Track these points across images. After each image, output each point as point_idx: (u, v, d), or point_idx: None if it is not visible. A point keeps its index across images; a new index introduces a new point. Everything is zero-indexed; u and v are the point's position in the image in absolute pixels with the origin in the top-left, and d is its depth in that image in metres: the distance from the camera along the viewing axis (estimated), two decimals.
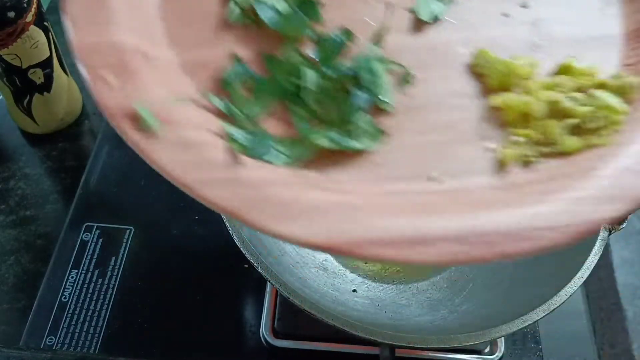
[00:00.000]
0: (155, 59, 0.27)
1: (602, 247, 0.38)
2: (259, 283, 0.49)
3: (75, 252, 0.51)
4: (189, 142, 0.25)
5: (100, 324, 0.47)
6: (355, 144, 0.26)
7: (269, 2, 0.30)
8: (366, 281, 0.47)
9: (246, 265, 0.37)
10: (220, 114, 0.27)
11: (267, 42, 0.29)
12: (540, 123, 0.28)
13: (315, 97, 0.28)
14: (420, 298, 0.46)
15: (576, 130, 0.28)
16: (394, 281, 0.48)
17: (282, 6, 0.30)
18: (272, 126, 0.27)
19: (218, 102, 0.27)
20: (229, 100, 0.27)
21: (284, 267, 0.43)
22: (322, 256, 0.48)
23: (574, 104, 0.28)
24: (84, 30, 0.27)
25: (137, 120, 0.25)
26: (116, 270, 0.50)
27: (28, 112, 0.59)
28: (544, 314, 0.36)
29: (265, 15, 0.29)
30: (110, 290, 0.49)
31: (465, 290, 0.46)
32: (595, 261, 0.38)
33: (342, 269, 0.48)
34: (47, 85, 0.57)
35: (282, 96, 0.28)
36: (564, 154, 0.27)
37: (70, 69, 0.61)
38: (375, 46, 0.30)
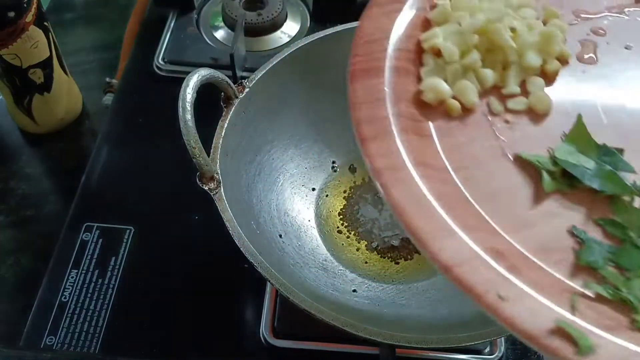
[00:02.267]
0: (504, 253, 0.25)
1: None
2: (259, 283, 0.49)
3: (75, 252, 0.51)
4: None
5: (100, 324, 0.47)
6: None
7: (579, 163, 0.28)
8: (366, 281, 0.47)
9: (246, 265, 0.37)
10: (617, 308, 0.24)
11: (590, 205, 0.27)
12: None
13: None
14: (420, 298, 0.46)
15: None
16: (393, 281, 0.48)
17: (591, 164, 0.28)
18: None
19: (606, 292, 0.24)
20: (610, 285, 0.24)
21: (284, 267, 0.43)
22: (322, 256, 0.48)
23: None
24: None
25: (567, 340, 0.22)
26: (116, 270, 0.50)
27: (28, 112, 0.59)
28: None
29: (584, 176, 0.27)
30: (110, 290, 0.49)
31: None
32: None
33: (342, 268, 0.48)
34: (47, 85, 0.57)
35: None
36: None
37: (70, 69, 0.61)
38: None
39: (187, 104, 0.37)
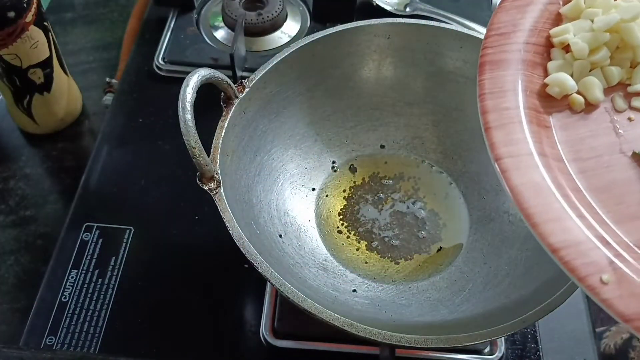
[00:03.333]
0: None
1: None
2: (259, 283, 0.49)
3: (75, 252, 0.51)
4: None
5: (100, 324, 0.47)
6: None
7: None
8: (366, 281, 0.47)
9: (246, 265, 0.38)
10: None
11: None
12: None
13: None
14: (420, 298, 0.46)
15: None
16: (393, 281, 0.48)
17: None
18: None
19: None
20: None
21: (284, 267, 0.43)
22: (322, 256, 0.48)
23: None
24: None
25: None
26: (116, 270, 0.50)
27: (28, 112, 0.59)
28: (544, 314, 0.36)
29: None
30: (110, 290, 0.49)
31: (465, 290, 0.46)
32: None
33: (342, 269, 0.48)
34: (47, 85, 0.57)
35: None
36: None
37: (70, 69, 0.61)
38: None
39: (187, 104, 0.37)
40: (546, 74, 0.32)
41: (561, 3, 0.34)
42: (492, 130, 0.29)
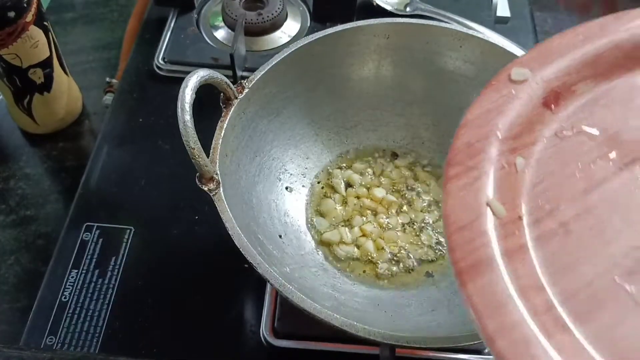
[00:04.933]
0: None
1: None
2: (259, 283, 0.49)
3: (75, 252, 0.51)
4: None
5: (100, 324, 0.47)
6: None
7: None
8: (366, 281, 0.47)
9: (246, 265, 0.37)
10: None
11: None
12: None
13: None
14: (420, 298, 0.46)
15: None
16: (393, 281, 0.48)
17: None
18: None
19: None
20: None
21: (283, 267, 0.43)
22: (322, 256, 0.48)
23: None
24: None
25: None
26: (116, 270, 0.50)
27: (28, 112, 0.59)
28: None
29: None
30: (110, 290, 0.49)
31: None
32: None
33: (342, 268, 0.48)
34: (47, 85, 0.57)
35: None
36: None
37: (70, 69, 0.61)
38: None
39: (186, 104, 0.37)
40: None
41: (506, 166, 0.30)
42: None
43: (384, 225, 0.50)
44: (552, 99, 0.32)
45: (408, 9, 0.69)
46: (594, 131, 0.31)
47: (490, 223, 0.28)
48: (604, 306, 0.25)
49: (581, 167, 0.30)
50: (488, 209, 0.28)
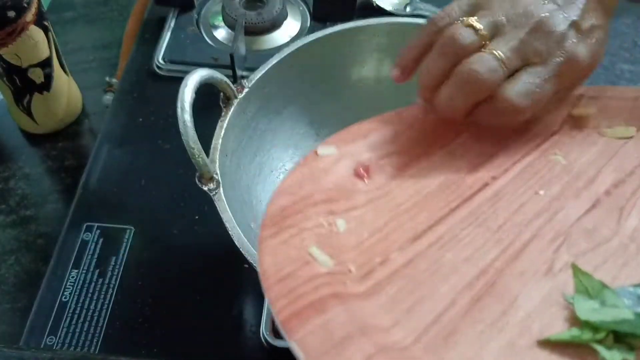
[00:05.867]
0: None
1: None
2: (259, 283, 0.49)
3: (75, 252, 0.51)
4: None
5: (100, 324, 0.47)
6: None
7: (617, 316, 0.26)
8: None
9: (246, 265, 0.37)
10: None
11: None
12: None
13: None
14: None
15: None
16: None
17: (625, 312, 0.26)
18: None
19: None
20: None
21: None
22: None
23: None
24: None
25: None
26: (116, 270, 0.50)
27: (28, 111, 0.59)
28: None
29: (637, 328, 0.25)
30: (110, 290, 0.49)
31: None
32: None
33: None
34: (47, 84, 0.57)
35: None
36: None
37: (70, 69, 0.61)
38: None
39: (185, 104, 0.37)
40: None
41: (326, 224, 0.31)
42: None
43: None
44: (362, 170, 0.35)
45: (408, 9, 0.69)
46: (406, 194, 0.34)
47: (316, 270, 0.28)
48: (458, 339, 0.25)
49: (402, 221, 0.32)
50: (312, 258, 0.28)
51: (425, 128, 0.38)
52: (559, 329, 0.26)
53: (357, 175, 0.35)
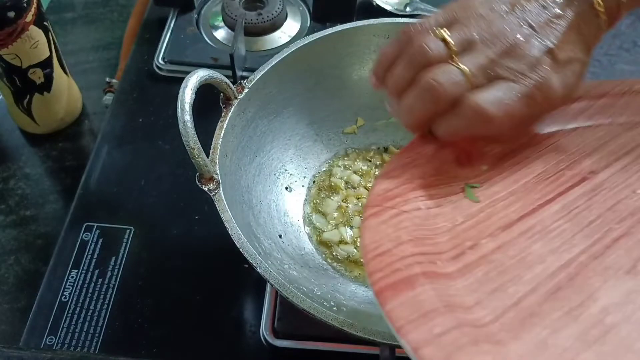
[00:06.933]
0: None
1: None
2: (259, 283, 0.49)
3: (75, 252, 0.51)
4: None
5: (100, 324, 0.47)
6: None
7: None
8: (366, 281, 0.47)
9: (246, 265, 0.38)
10: None
11: None
12: None
13: None
14: None
15: None
16: None
17: None
18: None
19: None
20: None
21: (283, 267, 0.43)
22: (321, 256, 0.48)
23: None
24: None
25: None
26: (116, 270, 0.50)
27: (28, 112, 0.59)
28: None
29: None
30: (110, 290, 0.49)
31: None
32: None
33: (342, 268, 0.48)
34: (47, 85, 0.57)
35: None
36: None
37: (70, 69, 0.61)
38: None
39: (185, 104, 0.37)
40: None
41: (423, 206, 0.33)
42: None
43: None
44: (464, 157, 0.36)
45: (408, 9, 0.69)
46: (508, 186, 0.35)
47: (411, 249, 0.30)
48: (534, 322, 0.27)
49: (496, 210, 0.33)
50: (409, 239, 0.30)
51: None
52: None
53: (459, 162, 0.36)
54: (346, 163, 0.53)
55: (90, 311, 0.48)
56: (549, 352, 0.25)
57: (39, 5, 0.53)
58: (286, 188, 0.51)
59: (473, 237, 0.31)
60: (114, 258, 0.51)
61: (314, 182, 0.52)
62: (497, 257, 0.30)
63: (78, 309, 0.48)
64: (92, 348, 0.46)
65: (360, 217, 0.50)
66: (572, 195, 0.33)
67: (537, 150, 0.37)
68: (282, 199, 0.50)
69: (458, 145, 0.36)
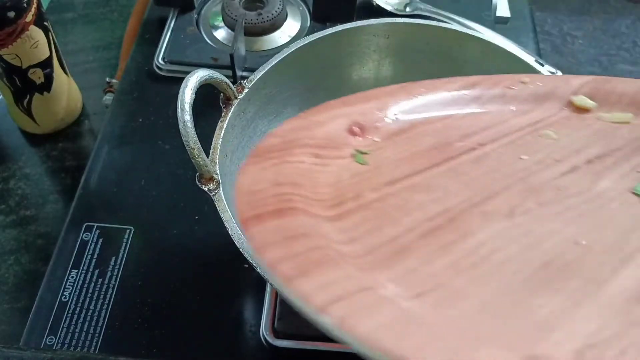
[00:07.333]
0: None
1: None
2: (259, 283, 0.49)
3: (75, 252, 0.51)
4: None
5: (100, 324, 0.47)
6: None
7: None
8: None
9: (246, 265, 0.38)
10: None
11: None
12: None
13: None
14: None
15: None
16: None
17: None
18: None
19: None
20: None
21: None
22: None
23: None
24: None
25: None
26: (116, 270, 0.50)
27: (28, 112, 0.59)
28: None
29: None
30: (110, 290, 0.49)
31: None
32: None
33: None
34: (47, 85, 0.57)
35: None
36: None
37: (70, 69, 0.61)
38: None
39: (185, 104, 0.37)
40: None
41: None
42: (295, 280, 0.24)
43: None
44: (357, 129, 0.36)
45: (408, 9, 0.69)
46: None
47: (287, 190, 0.29)
48: (406, 255, 0.27)
49: (382, 171, 0.33)
50: (288, 182, 0.30)
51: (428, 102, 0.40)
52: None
53: (351, 132, 0.36)
54: None
55: (90, 311, 0.48)
56: (418, 277, 0.25)
57: (39, 5, 0.53)
58: None
59: (355, 190, 0.31)
60: (114, 258, 0.51)
61: None
62: (377, 205, 0.30)
63: (78, 309, 0.48)
64: (92, 348, 0.46)
65: None
66: (459, 160, 0.34)
67: (430, 128, 0.38)
68: None
69: (351, 117, 0.37)
